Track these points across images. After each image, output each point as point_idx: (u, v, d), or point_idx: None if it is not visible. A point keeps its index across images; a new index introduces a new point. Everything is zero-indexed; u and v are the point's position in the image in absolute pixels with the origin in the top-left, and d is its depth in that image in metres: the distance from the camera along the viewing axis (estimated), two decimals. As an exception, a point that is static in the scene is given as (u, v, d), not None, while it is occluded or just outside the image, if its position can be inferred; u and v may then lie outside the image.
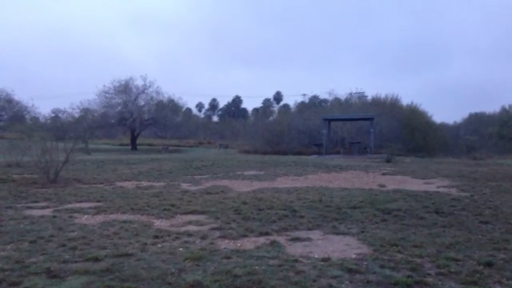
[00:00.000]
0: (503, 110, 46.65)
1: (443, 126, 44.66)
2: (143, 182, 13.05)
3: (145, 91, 42.43)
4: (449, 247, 5.71)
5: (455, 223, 7.33)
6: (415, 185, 12.76)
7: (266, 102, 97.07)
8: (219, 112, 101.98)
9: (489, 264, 4.93)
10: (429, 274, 4.63)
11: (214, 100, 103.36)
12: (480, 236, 6.41)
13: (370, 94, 45.90)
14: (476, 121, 49.07)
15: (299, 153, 30.95)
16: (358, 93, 46.59)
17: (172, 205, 8.74)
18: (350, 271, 4.67)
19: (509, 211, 8.44)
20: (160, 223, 7.24)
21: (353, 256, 5.31)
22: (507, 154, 32.09)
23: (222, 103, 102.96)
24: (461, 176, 14.96)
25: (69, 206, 8.86)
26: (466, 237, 6.29)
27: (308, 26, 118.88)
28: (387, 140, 30.97)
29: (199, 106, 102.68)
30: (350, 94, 46.04)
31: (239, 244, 5.83)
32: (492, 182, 13.48)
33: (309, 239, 6.17)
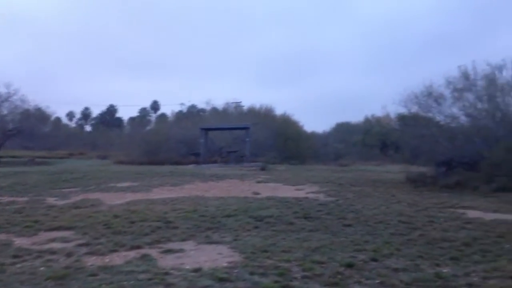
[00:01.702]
0: (366, 120, 50.54)
1: (314, 135, 47.14)
2: (4, 198, 12.02)
3: (9, 99, 39.24)
4: (315, 250, 6.04)
5: (321, 227, 7.78)
6: (287, 191, 13.31)
7: (143, 111, 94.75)
8: (92, 122, 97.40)
9: (350, 265, 5.29)
10: (295, 278, 4.85)
11: (86, 108, 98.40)
12: (343, 239, 6.86)
13: (247, 104, 46.92)
14: (343, 130, 52.52)
15: (177, 163, 30.63)
16: (235, 103, 47.50)
17: (36, 222, 8.14)
18: (220, 280, 4.72)
19: (370, 214, 9.15)
20: (20, 241, 6.70)
21: (225, 264, 5.38)
22: (370, 161, 34.81)
23: (95, 112, 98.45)
24: (328, 182, 15.91)
25: None
26: (330, 240, 6.70)
27: (187, 35, 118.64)
28: (262, 148, 31.93)
29: (70, 115, 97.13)
30: (227, 104, 46.79)
31: (107, 260, 5.61)
32: (356, 187, 14.53)
33: (182, 250, 6.14)
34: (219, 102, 56.32)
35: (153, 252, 6.02)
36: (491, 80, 16.22)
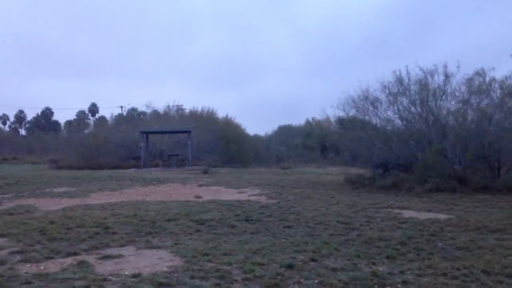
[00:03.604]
0: (307, 122, 51.47)
1: (256, 137, 47.46)
2: None
3: None
4: (255, 252, 6.06)
5: (263, 229, 7.83)
6: (229, 195, 13.31)
7: (81, 114, 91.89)
8: (27, 125, 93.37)
9: (290, 266, 5.35)
10: (236, 280, 4.85)
11: (21, 112, 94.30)
12: (284, 240, 6.93)
13: (189, 107, 46.47)
14: (285, 132, 53.14)
15: (117, 167, 29.89)
16: (177, 106, 46.97)
17: (-36, 230, 7.71)
18: (160, 285, 4.64)
19: (310, 215, 9.29)
20: None
21: (165, 269, 5.30)
22: (311, 163, 35.42)
23: (30, 115, 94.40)
24: (270, 185, 16.05)
25: None
26: (271, 242, 6.75)
27: (127, 36, 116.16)
28: (204, 152, 31.79)
29: (4, 118, 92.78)
30: (169, 106, 46.20)
31: (42, 267, 5.38)
32: (297, 189, 14.74)
33: (120, 256, 5.99)
34: (160, 105, 55.53)
35: (90, 258, 5.84)
36: (423, 85, 16.92)
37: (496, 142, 14.63)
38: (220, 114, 43.75)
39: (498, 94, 16.11)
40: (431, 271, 5.19)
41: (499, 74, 16.12)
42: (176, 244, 6.71)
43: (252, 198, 12.40)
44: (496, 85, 16.11)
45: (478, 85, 16.23)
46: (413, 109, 17.36)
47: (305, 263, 5.55)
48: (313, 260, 5.68)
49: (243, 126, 42.01)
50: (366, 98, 18.10)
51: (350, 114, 19.34)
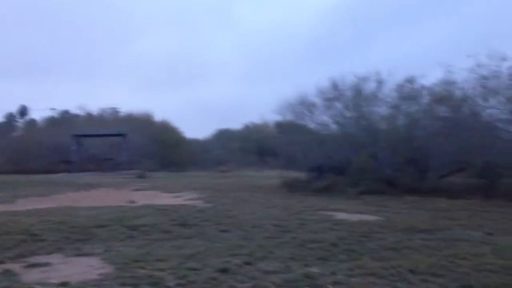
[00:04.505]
0: (246, 127, 51.65)
1: (194, 141, 47.10)
2: None
3: None
4: (190, 257, 5.99)
5: (198, 234, 7.76)
6: (165, 199, 13.13)
7: (9, 116, 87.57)
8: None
9: (224, 270, 5.32)
10: (168, 286, 4.77)
11: None
12: (219, 244, 6.89)
13: (125, 109, 45.43)
14: (223, 136, 53.05)
15: (47, 172, 28.74)
16: (112, 108, 45.83)
17: None
18: (89, 293, 4.50)
19: (246, 219, 9.32)
20: None
21: (95, 277, 5.13)
22: (249, 167, 35.62)
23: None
24: (207, 189, 15.99)
25: None
26: (206, 247, 6.70)
27: (60, 35, 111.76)
28: (140, 155, 31.17)
29: None
30: (103, 109, 45.01)
31: (-38, 278, 5.07)
32: (234, 192, 14.77)
33: (48, 264, 5.73)
34: (94, 107, 53.89)
35: (16, 267, 5.55)
36: (357, 90, 17.48)
37: (424, 146, 15.33)
38: (158, 117, 43.17)
39: (426, 101, 16.88)
40: (361, 271, 5.33)
41: (428, 82, 16.91)
42: (107, 251, 6.51)
43: (188, 202, 12.29)
44: (425, 92, 16.90)
45: (409, 91, 16.96)
46: (347, 113, 17.88)
47: (239, 266, 5.54)
48: (247, 263, 5.68)
49: (181, 130, 41.66)
50: (303, 102, 18.46)
51: (288, 118, 19.66)
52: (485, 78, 14.43)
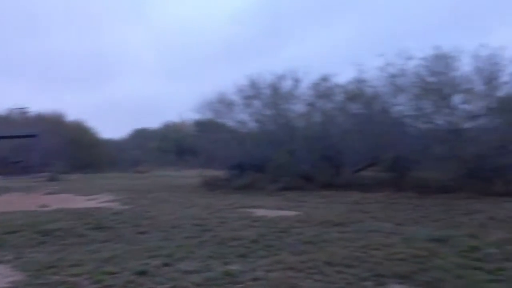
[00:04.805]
0: (164, 125, 50.78)
1: (110, 141, 45.59)
2: None
3: None
4: (107, 261, 5.79)
5: (115, 237, 7.52)
6: (79, 202, 12.61)
7: None
8: None
9: (142, 273, 5.19)
10: (84, 292, 4.59)
11: None
12: (137, 247, 6.72)
13: (35, 109, 42.91)
14: (140, 136, 51.81)
15: None
16: (20, 108, 43.20)
17: None
18: (-4, 305, 4.22)
19: (165, 219, 9.17)
20: None
21: (4, 285, 4.83)
22: (167, 166, 35.10)
23: None
24: (124, 190, 15.55)
25: None
26: (124, 249, 6.51)
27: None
28: (52, 158, 29.67)
29: None
30: (11, 109, 42.31)
31: None
32: (152, 193, 14.48)
33: None
34: (1, 107, 50.58)
35: None
36: (275, 89, 17.77)
37: (339, 142, 15.91)
38: (70, 117, 41.28)
39: (341, 98, 17.51)
40: (280, 266, 5.42)
41: (342, 80, 17.53)
42: (18, 258, 6.15)
43: (104, 205, 11.88)
44: (339, 90, 17.52)
45: (323, 89, 17.50)
46: (266, 111, 18.12)
47: (158, 268, 5.44)
48: (166, 264, 5.59)
49: (95, 130, 40.16)
50: (222, 101, 18.47)
51: (207, 117, 19.59)
52: (393, 76, 15.22)
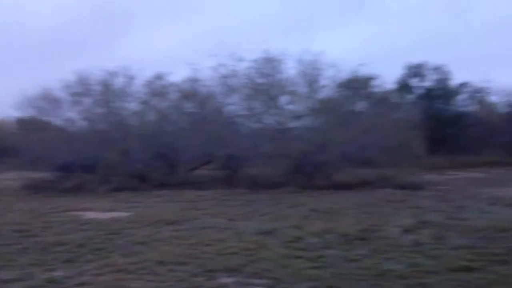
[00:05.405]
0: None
1: None
2: None
3: None
4: None
5: None
6: None
7: None
8: None
9: None
10: None
11: None
12: None
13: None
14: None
15: None
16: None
17: None
18: None
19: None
20: None
21: None
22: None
23: None
24: None
25: None
26: None
27: None
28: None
29: None
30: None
31: None
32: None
33: None
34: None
35: None
36: (106, 86, 17.06)
37: (173, 141, 15.90)
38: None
39: (175, 97, 17.51)
40: (110, 269, 5.24)
41: (176, 79, 17.53)
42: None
43: None
44: (174, 88, 17.50)
45: (158, 87, 17.32)
46: (97, 109, 17.29)
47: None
48: (-20, 276, 5.03)
49: None
50: (46, 97, 17.16)
51: (30, 115, 18.04)
52: (225, 76, 15.72)
